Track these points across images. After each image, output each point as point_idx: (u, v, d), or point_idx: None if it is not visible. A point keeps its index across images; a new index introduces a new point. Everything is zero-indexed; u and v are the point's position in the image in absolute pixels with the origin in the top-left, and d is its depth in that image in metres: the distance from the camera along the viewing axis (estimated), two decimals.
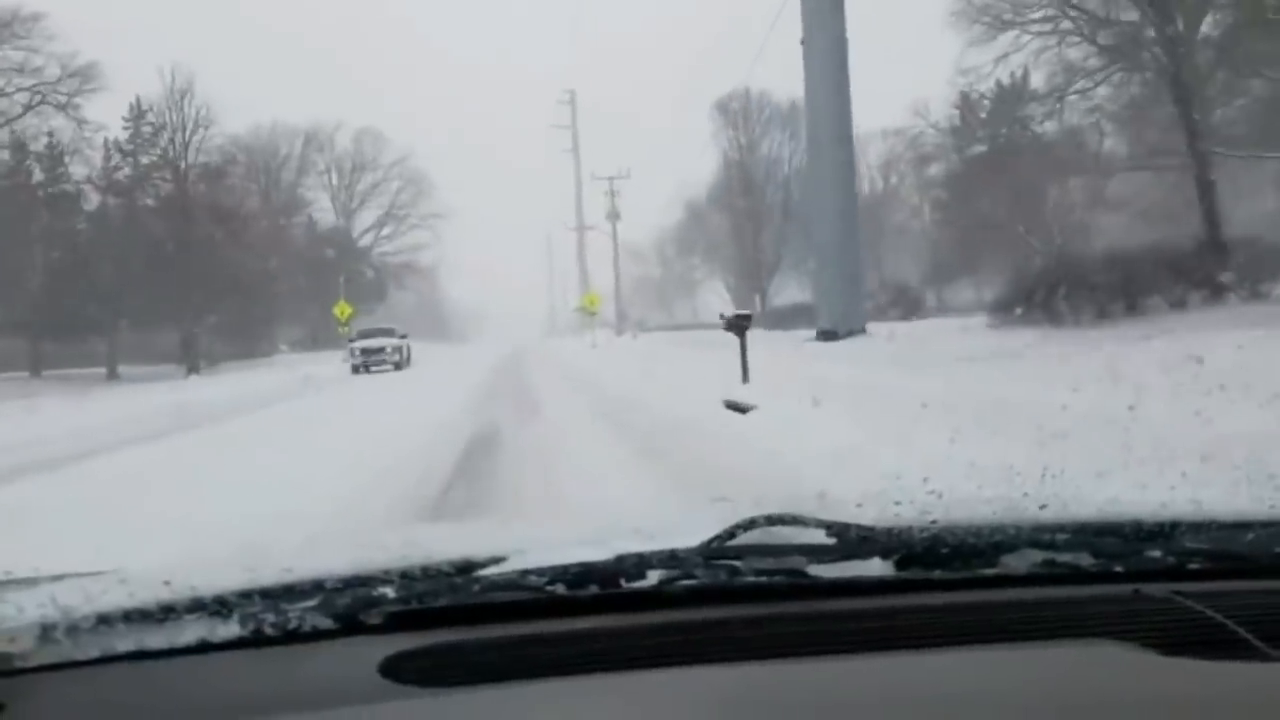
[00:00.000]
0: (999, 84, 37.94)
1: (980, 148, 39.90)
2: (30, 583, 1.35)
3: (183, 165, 38.99)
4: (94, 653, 1.00)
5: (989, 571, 1.18)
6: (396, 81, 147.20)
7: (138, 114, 38.70)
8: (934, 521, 1.26)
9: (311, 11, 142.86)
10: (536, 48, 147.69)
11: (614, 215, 55.43)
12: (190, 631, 1.03)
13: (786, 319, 42.18)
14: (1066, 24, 38.65)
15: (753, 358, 12.74)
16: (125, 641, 1.01)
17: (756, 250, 43.20)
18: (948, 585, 1.16)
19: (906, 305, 38.76)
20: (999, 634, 1.05)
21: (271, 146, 57.99)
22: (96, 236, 36.56)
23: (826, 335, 18.42)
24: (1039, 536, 1.21)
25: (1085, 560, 1.20)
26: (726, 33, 76.94)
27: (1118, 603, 1.11)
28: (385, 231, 63.87)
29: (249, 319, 45.15)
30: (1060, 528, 1.25)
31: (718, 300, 70.08)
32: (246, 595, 1.06)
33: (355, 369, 30.78)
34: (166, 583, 1.10)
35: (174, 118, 38.98)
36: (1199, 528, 1.28)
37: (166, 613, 1.04)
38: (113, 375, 38.08)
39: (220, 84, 70.30)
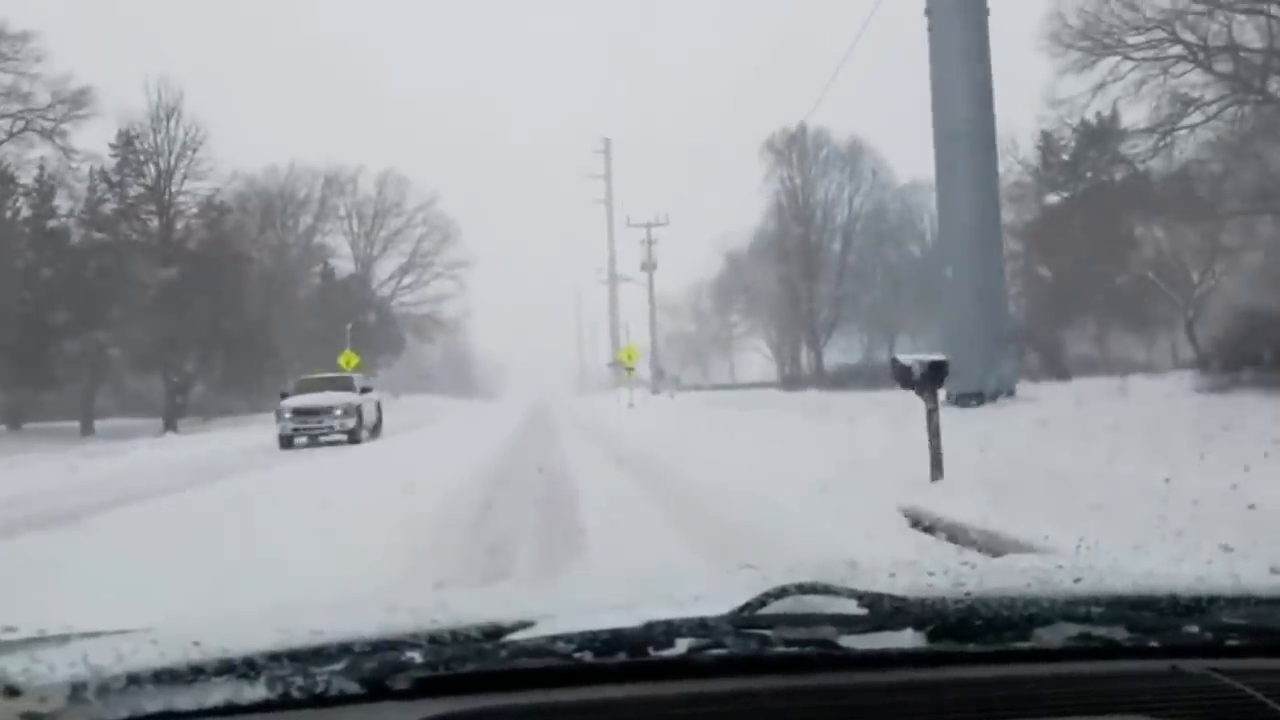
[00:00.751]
0: (1085, 120, 33.16)
1: (1069, 189, 34.88)
2: (62, 640, 1.30)
3: (167, 194, 34.65)
4: (123, 713, 1.00)
5: (1023, 645, 1.15)
6: (423, 124, 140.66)
7: (125, 140, 34.53)
8: (968, 593, 1.22)
9: (335, 50, 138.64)
10: (571, 94, 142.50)
11: (650, 265, 50.79)
12: (218, 693, 1.02)
13: (845, 380, 37.01)
14: (1176, 49, 34.06)
15: (878, 427, 7.94)
16: (154, 702, 1.01)
17: (811, 303, 38.03)
18: (981, 659, 1.14)
19: (1049, 362, 33.31)
20: (1033, 709, 1.04)
21: (289, 189, 54.09)
22: (75, 276, 32.13)
23: (967, 399, 13.31)
24: (1074, 609, 1.18)
25: (1120, 634, 1.17)
26: (769, 79, 73.41)
27: (1154, 679, 1.09)
28: (407, 280, 59.55)
29: (254, 370, 40.56)
30: (1095, 600, 1.22)
31: (760, 359, 65.13)
32: (275, 657, 1.06)
33: (285, 440, 20.93)
34: (196, 643, 1.09)
35: (157, 140, 34.75)
36: (1236, 602, 1.24)
37: (196, 673, 1.04)
38: (87, 430, 33.49)
39: (237, 122, 67.27)
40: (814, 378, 36.49)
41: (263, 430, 24.12)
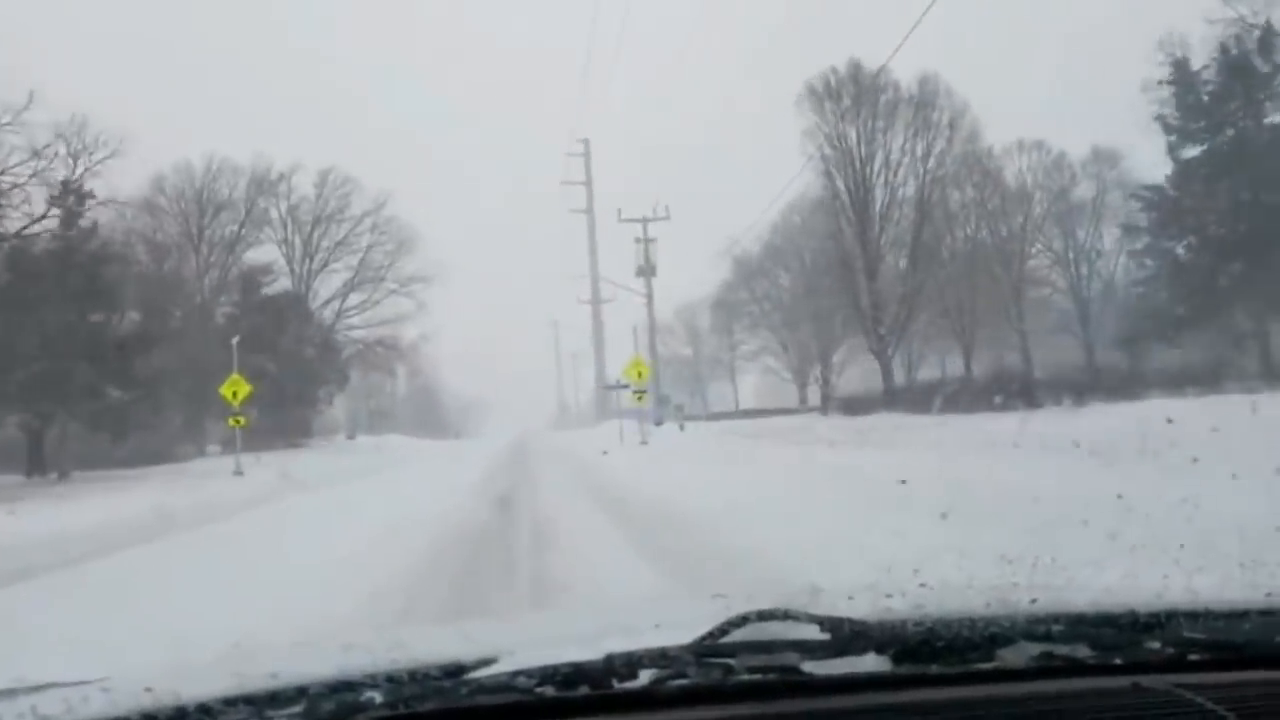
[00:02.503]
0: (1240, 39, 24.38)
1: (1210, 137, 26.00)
2: (9, 694, 1.28)
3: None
4: None
5: (985, 666, 1.15)
6: (371, 115, 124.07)
7: None
8: (928, 614, 1.21)
9: (266, 27, 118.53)
10: (545, 94, 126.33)
11: (648, 269, 41.67)
12: None
13: (918, 399, 27.85)
14: None
15: None
16: None
17: (874, 301, 28.75)
18: (944, 680, 1.13)
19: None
20: None
21: (209, 190, 44.60)
22: None
23: None
24: (1034, 629, 1.18)
25: (1082, 652, 1.17)
26: (761, 77, 65.01)
27: (1117, 696, 1.09)
28: (354, 300, 49.90)
29: (146, 409, 30.89)
30: (1055, 619, 1.21)
31: (771, 381, 55.94)
32: (230, 702, 1.03)
33: None
34: (148, 690, 1.06)
35: None
36: (1195, 617, 1.25)
37: None
38: None
39: (153, 117, 57.54)
40: (881, 398, 27.28)
41: (162, 489, 17.01)
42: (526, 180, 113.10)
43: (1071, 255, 36.20)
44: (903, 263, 29.59)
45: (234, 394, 23.73)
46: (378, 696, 1.04)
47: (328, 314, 49.57)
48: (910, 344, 31.20)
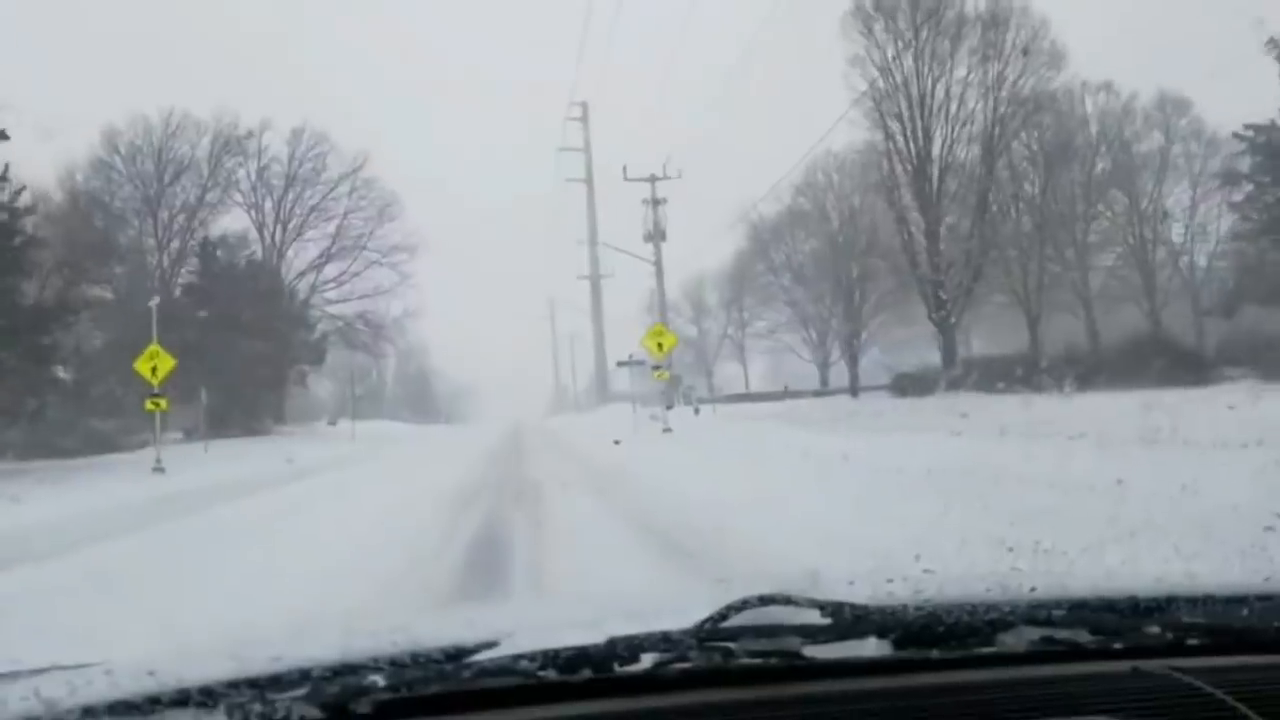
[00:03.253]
0: None
1: None
2: (11, 677, 1.28)
3: None
4: None
5: (986, 650, 1.16)
6: (351, 74, 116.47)
7: None
8: (928, 599, 1.21)
9: None
10: (542, 58, 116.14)
11: (658, 234, 36.95)
12: None
13: (987, 376, 23.56)
14: None
15: None
16: None
17: (934, 263, 24.05)
18: (944, 665, 1.14)
19: None
20: (996, 714, 1.05)
21: (168, 148, 39.94)
22: None
23: None
24: (1035, 613, 1.18)
25: (1082, 637, 1.18)
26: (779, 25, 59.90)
27: (1116, 680, 1.11)
28: (334, 273, 45.20)
29: (81, 393, 26.58)
30: (1056, 603, 1.21)
31: (795, 363, 51.22)
32: (233, 685, 1.04)
33: None
34: (151, 673, 1.06)
35: None
36: (1195, 602, 1.25)
37: (152, 704, 1.01)
38: None
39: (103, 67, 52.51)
40: (939, 376, 22.87)
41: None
42: (520, 149, 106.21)
43: (1150, 211, 31.56)
44: (956, 220, 24.95)
45: (152, 370, 19.10)
46: (380, 679, 1.04)
47: (303, 288, 44.96)
48: (963, 315, 26.64)
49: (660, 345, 20.94)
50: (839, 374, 45.81)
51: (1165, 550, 4.20)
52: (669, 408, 38.15)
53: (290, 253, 44.87)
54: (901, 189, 24.14)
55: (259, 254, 42.26)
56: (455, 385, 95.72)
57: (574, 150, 61.56)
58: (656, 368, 20.83)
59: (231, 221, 42.86)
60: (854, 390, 37.03)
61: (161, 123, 40.36)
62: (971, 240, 23.71)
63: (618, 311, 59.29)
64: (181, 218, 40.52)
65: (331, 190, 44.40)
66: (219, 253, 38.52)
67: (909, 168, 23.94)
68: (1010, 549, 4.81)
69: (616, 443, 20.54)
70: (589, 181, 60.84)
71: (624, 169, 38.31)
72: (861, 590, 1.26)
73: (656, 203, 37.96)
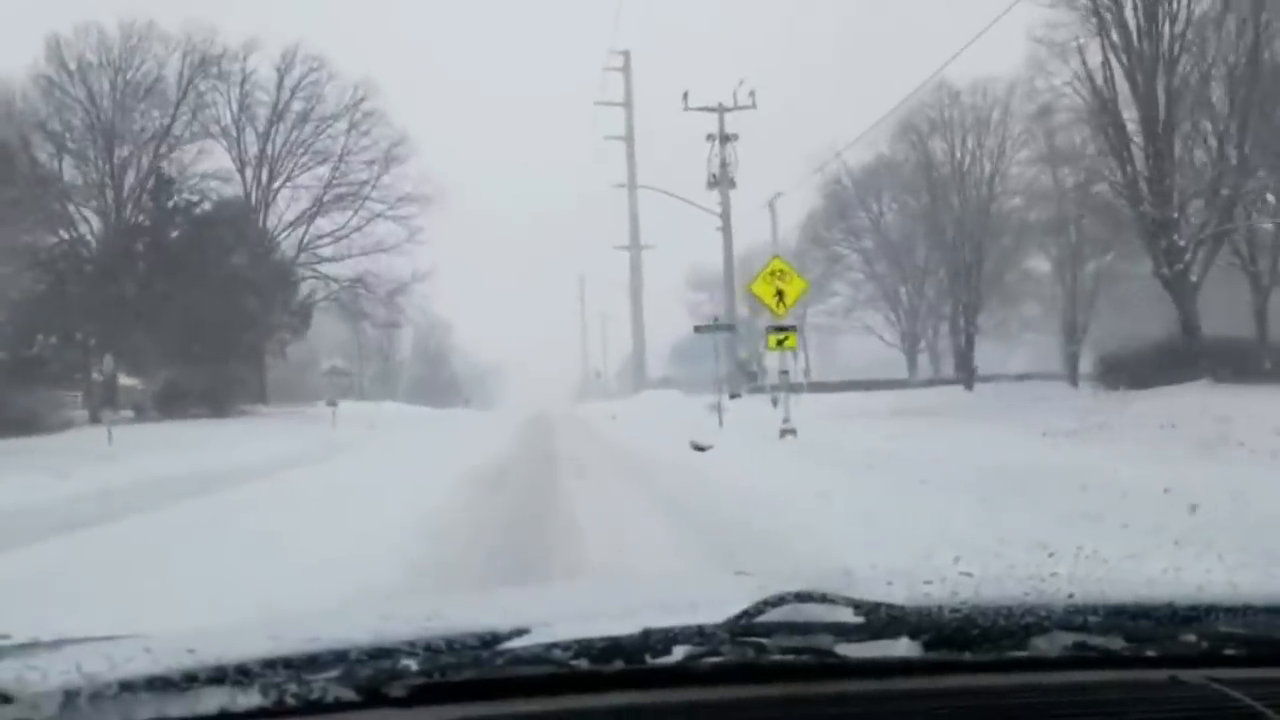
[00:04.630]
0: None
1: None
2: (55, 646, 1.30)
3: None
4: None
5: (1020, 654, 1.15)
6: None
7: None
8: (964, 601, 1.21)
9: None
10: None
11: (724, 178, 29.55)
12: (212, 700, 1.01)
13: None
14: None
15: None
16: (147, 709, 1.00)
17: (1158, 191, 15.91)
18: (978, 668, 1.14)
19: None
20: (1030, 719, 1.06)
21: (127, 65, 32.82)
22: None
23: None
24: (1071, 619, 1.18)
25: (1118, 644, 1.17)
26: None
27: (1153, 689, 1.10)
28: (325, 226, 37.89)
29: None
30: (1093, 610, 1.21)
31: (879, 347, 43.21)
32: (269, 664, 1.06)
33: None
34: (190, 650, 1.09)
35: None
36: (1234, 612, 1.24)
37: (189, 681, 1.03)
38: None
39: None
40: (1167, 359, 15.14)
41: None
42: (555, 100, 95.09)
43: None
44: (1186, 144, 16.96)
45: None
46: (414, 664, 1.05)
47: (292, 243, 37.65)
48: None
49: (779, 294, 13.20)
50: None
51: None
52: (733, 396, 30.67)
53: (282, 202, 37.61)
54: (1110, 106, 16.17)
55: (240, 198, 34.97)
56: (478, 366, 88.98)
57: (614, 105, 54.25)
58: (777, 329, 13.08)
59: (210, 161, 35.69)
60: (967, 380, 29.26)
61: (120, 35, 33.18)
62: (1222, 158, 15.81)
63: (656, 288, 51.78)
64: (147, 151, 33.30)
65: (328, 127, 37.05)
66: (181, 193, 31.26)
67: (1131, 47, 15.99)
68: None
69: (700, 448, 12.97)
70: (629, 140, 53.38)
71: (684, 98, 30.73)
72: (899, 590, 1.25)
73: (724, 139, 30.41)
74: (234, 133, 36.90)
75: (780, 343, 13.00)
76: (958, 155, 29.92)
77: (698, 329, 21.56)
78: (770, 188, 50.79)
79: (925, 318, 38.20)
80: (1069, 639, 1.15)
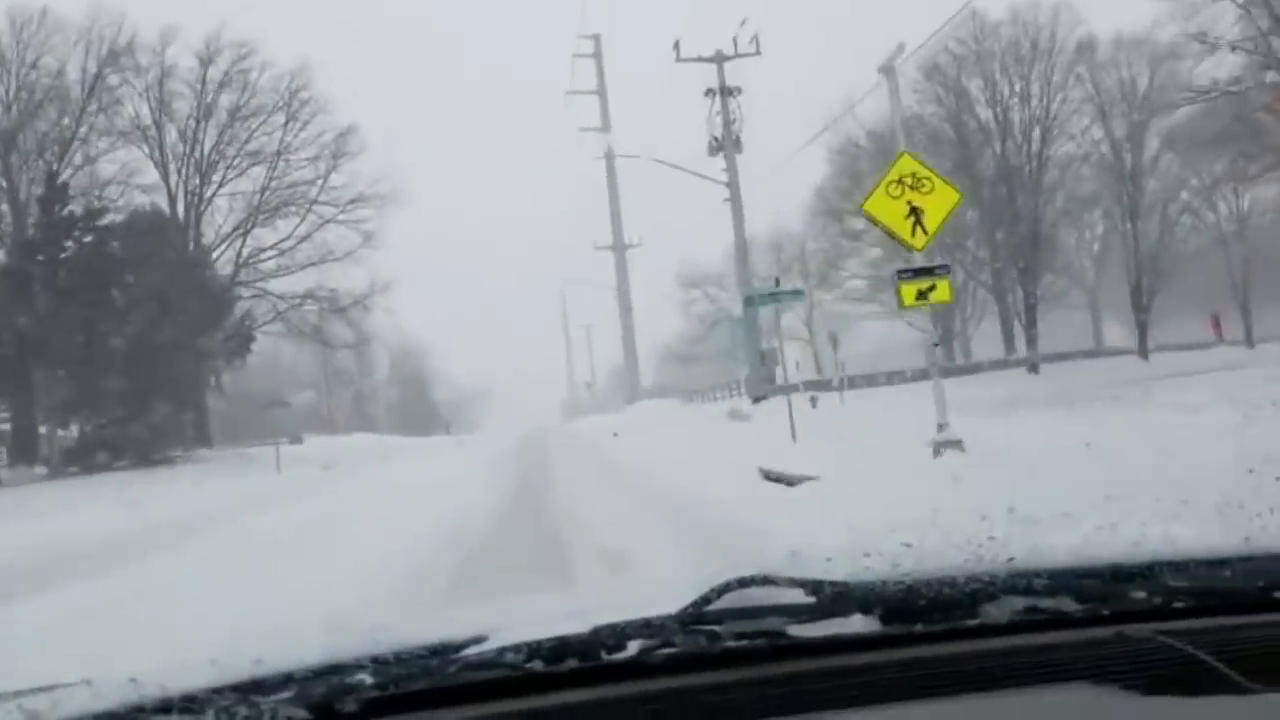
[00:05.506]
0: None
1: None
2: None
3: None
4: None
5: (970, 622, 1.17)
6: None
7: None
8: (907, 573, 1.21)
9: None
10: None
11: (729, 139, 24.93)
12: None
13: None
14: None
15: None
16: None
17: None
18: (929, 638, 1.15)
19: None
20: (982, 684, 1.06)
21: (22, 57, 27.98)
22: None
23: None
24: (1016, 583, 1.18)
25: (1066, 604, 1.18)
26: None
27: (1102, 646, 1.12)
28: (267, 237, 32.88)
29: None
30: (1037, 573, 1.21)
31: (883, 335, 38.62)
32: (217, 691, 1.03)
33: None
34: (133, 681, 1.06)
35: None
36: (1178, 566, 1.25)
37: (135, 713, 1.01)
38: None
39: None
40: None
41: None
42: (525, 88, 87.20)
43: None
44: None
45: None
46: (367, 678, 1.04)
47: (228, 259, 32.49)
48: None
49: (914, 213, 7.79)
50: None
51: None
52: (757, 399, 25.72)
53: (219, 214, 32.54)
54: None
55: (159, 207, 29.88)
56: (459, 390, 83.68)
57: (586, 94, 49.72)
58: (914, 273, 7.90)
59: (132, 168, 30.61)
60: (1033, 365, 24.47)
61: (9, 25, 28.22)
62: None
63: (643, 289, 47.10)
64: (46, 157, 28.24)
65: (262, 122, 32.01)
66: (90, 201, 26.15)
67: None
68: None
69: (788, 483, 8.10)
70: (603, 114, 48.70)
71: (675, 48, 25.93)
72: (839, 567, 1.24)
73: (726, 92, 25.61)
74: (154, 133, 31.93)
75: (922, 294, 8.00)
76: (1004, 94, 25.24)
77: (747, 300, 16.45)
78: (779, 153, 45.97)
79: (960, 295, 33.62)
80: (1017, 603, 1.14)
